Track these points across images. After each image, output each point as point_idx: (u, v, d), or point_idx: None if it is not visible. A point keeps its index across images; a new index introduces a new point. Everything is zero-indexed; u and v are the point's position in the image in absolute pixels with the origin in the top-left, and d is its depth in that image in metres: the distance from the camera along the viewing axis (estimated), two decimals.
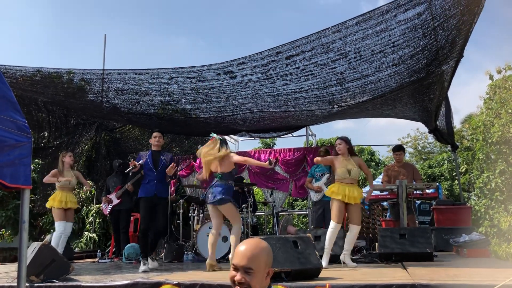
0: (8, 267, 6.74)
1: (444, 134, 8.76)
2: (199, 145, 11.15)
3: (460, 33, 5.12)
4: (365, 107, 7.66)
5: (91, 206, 10.76)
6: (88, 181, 10.83)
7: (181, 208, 7.64)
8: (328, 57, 5.92)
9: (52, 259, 4.40)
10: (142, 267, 5.36)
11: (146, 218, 5.69)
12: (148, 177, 5.81)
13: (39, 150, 9.16)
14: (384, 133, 41.35)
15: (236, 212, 5.38)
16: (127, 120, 9.11)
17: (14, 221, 12.24)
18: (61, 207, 6.62)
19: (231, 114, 8.03)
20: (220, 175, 5.30)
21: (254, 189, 10.68)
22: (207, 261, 5.21)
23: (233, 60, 6.26)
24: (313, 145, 10.91)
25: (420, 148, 23.00)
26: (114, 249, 8.04)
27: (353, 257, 5.63)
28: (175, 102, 7.68)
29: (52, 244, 6.02)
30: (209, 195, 5.29)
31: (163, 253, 7.17)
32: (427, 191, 6.65)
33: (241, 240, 5.19)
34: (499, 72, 8.07)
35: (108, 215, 8.25)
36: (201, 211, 7.42)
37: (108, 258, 7.82)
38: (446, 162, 18.45)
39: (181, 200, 7.82)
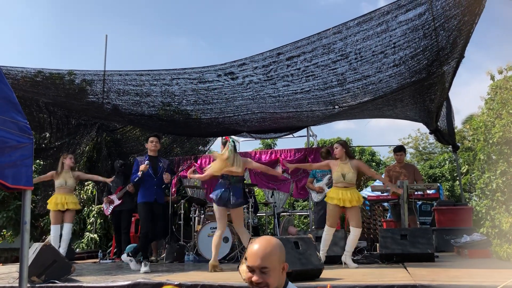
0: (9, 268, 6.75)
1: (445, 135, 8.75)
2: (200, 146, 11.26)
3: (461, 33, 5.12)
4: (366, 107, 7.67)
5: (92, 207, 10.77)
6: (89, 182, 10.88)
7: (182, 209, 7.65)
8: (329, 58, 5.92)
9: (53, 260, 4.41)
10: (143, 268, 5.37)
11: (147, 223, 5.74)
12: (147, 182, 5.85)
13: (40, 151, 9.17)
14: (385, 133, 41.36)
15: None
16: (128, 121, 9.12)
17: (15, 222, 12.26)
18: (56, 209, 6.65)
19: (232, 115, 8.04)
20: (235, 178, 5.41)
21: (255, 189, 10.69)
22: (210, 262, 5.23)
23: (234, 61, 6.27)
24: (314, 146, 10.90)
25: (421, 148, 23.00)
26: (115, 249, 8.04)
27: (354, 258, 5.64)
28: (176, 103, 7.69)
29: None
30: (225, 197, 5.31)
31: (164, 254, 7.18)
32: (428, 191, 6.65)
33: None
34: (500, 72, 8.05)
35: (109, 216, 8.26)
36: (202, 211, 7.43)
37: (109, 259, 7.83)
38: (447, 162, 18.44)
39: (182, 201, 7.82)
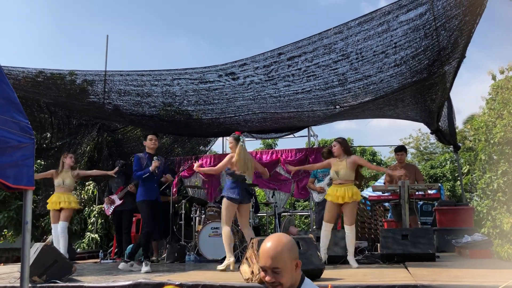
0: (10, 268, 6.76)
1: (446, 135, 8.74)
2: (201, 146, 11.25)
3: (462, 33, 5.11)
4: (367, 107, 7.66)
5: (93, 207, 10.78)
6: (90, 182, 10.88)
7: (183, 209, 7.65)
8: (330, 58, 5.92)
9: (54, 260, 4.42)
10: (144, 268, 5.37)
11: (150, 221, 5.72)
12: (149, 181, 5.81)
13: (41, 151, 9.18)
14: (386, 134, 41.36)
15: None
16: (129, 122, 9.13)
17: (16, 222, 12.27)
18: (53, 208, 6.67)
19: (233, 115, 8.04)
20: (242, 176, 5.51)
21: (256, 189, 10.69)
22: (231, 260, 5.25)
23: (235, 62, 6.27)
24: (315, 146, 10.90)
25: (422, 148, 23.00)
26: (116, 249, 8.04)
27: (355, 258, 5.64)
28: (177, 103, 7.69)
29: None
30: (243, 194, 5.46)
31: (165, 254, 7.18)
32: (429, 191, 6.64)
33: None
34: (502, 72, 8.04)
35: (110, 216, 8.26)
36: (203, 211, 7.43)
37: (110, 259, 7.83)
38: (448, 162, 18.44)
39: (183, 201, 7.83)
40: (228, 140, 5.73)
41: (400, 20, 5.13)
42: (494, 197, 6.70)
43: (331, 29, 5.38)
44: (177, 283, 3.87)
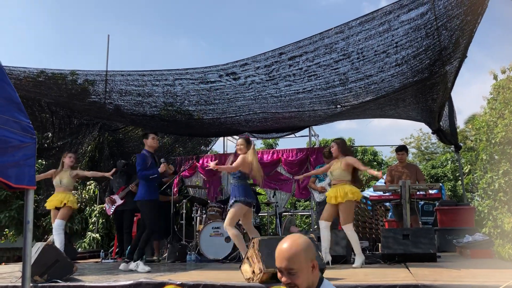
0: (11, 267, 6.76)
1: (448, 135, 8.74)
2: (202, 146, 11.25)
3: (464, 33, 5.11)
4: (368, 107, 7.66)
5: (94, 207, 10.79)
6: (91, 181, 10.89)
7: (184, 209, 7.66)
8: (331, 57, 5.92)
9: (55, 259, 4.42)
10: (145, 268, 5.38)
11: (156, 220, 5.72)
12: (153, 180, 5.82)
13: (42, 151, 9.19)
14: (387, 133, 41.35)
15: None
16: (130, 121, 9.13)
17: (18, 221, 12.28)
18: (51, 207, 6.70)
19: (234, 115, 8.04)
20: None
21: (257, 189, 10.69)
22: None
23: (236, 62, 6.27)
24: (316, 146, 10.90)
25: (423, 148, 22.99)
26: (117, 249, 8.05)
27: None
28: (178, 103, 7.69)
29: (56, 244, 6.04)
30: (254, 196, 5.64)
31: (166, 254, 7.19)
32: (430, 191, 6.63)
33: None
34: (503, 72, 8.04)
35: (111, 216, 8.27)
36: (204, 211, 7.43)
37: (111, 259, 7.83)
38: (449, 162, 18.43)
39: (184, 201, 7.83)
40: (238, 141, 5.59)
41: (401, 20, 5.13)
42: (495, 197, 6.70)
43: (332, 28, 5.37)
44: (178, 282, 3.87)
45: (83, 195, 11.07)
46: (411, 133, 24.23)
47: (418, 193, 6.48)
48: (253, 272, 3.88)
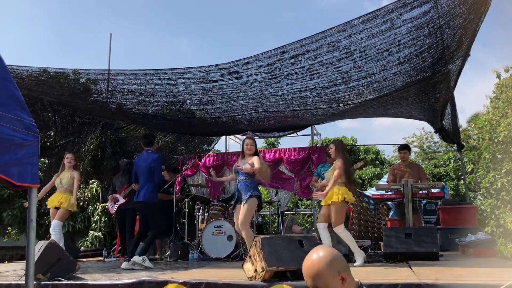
0: (14, 266, 6.79)
1: (450, 134, 8.72)
2: (204, 145, 11.26)
3: (467, 32, 5.09)
4: (370, 105, 7.64)
5: (96, 205, 10.81)
6: (94, 180, 10.90)
7: (186, 207, 7.67)
8: (334, 56, 5.90)
9: (58, 258, 4.43)
10: (149, 264, 5.44)
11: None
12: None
13: (45, 150, 9.21)
14: (390, 132, 41.29)
15: None
16: (132, 120, 9.14)
17: (21, 220, 12.32)
18: (49, 207, 6.80)
19: (236, 114, 8.03)
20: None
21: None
22: None
23: (238, 60, 6.26)
24: (318, 145, 10.89)
25: (425, 147, 22.93)
26: (120, 248, 8.07)
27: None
28: (180, 102, 7.69)
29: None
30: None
31: (169, 252, 7.20)
32: (433, 190, 6.63)
33: None
34: (506, 71, 8.00)
35: (114, 214, 8.29)
36: (206, 210, 7.44)
37: (114, 257, 7.86)
38: (451, 161, 18.37)
39: (186, 199, 7.84)
40: (247, 141, 5.73)
41: (404, 18, 5.11)
42: (498, 196, 6.69)
43: (334, 27, 5.36)
44: (180, 281, 3.88)
45: (86, 194, 11.08)
46: (413, 132, 24.23)
47: (420, 192, 6.47)
48: (256, 270, 3.88)
